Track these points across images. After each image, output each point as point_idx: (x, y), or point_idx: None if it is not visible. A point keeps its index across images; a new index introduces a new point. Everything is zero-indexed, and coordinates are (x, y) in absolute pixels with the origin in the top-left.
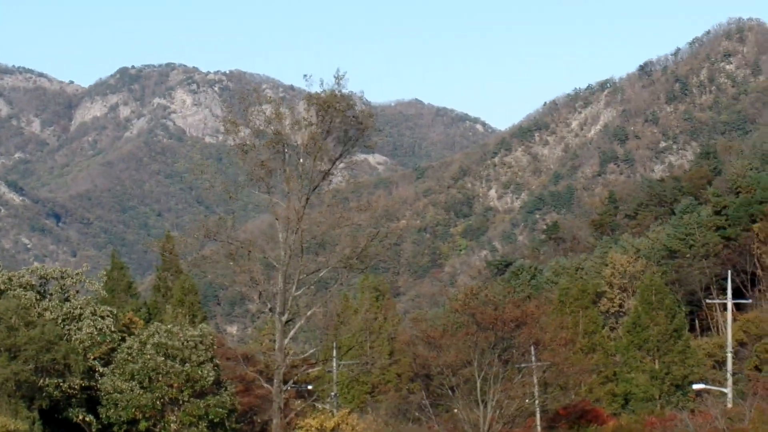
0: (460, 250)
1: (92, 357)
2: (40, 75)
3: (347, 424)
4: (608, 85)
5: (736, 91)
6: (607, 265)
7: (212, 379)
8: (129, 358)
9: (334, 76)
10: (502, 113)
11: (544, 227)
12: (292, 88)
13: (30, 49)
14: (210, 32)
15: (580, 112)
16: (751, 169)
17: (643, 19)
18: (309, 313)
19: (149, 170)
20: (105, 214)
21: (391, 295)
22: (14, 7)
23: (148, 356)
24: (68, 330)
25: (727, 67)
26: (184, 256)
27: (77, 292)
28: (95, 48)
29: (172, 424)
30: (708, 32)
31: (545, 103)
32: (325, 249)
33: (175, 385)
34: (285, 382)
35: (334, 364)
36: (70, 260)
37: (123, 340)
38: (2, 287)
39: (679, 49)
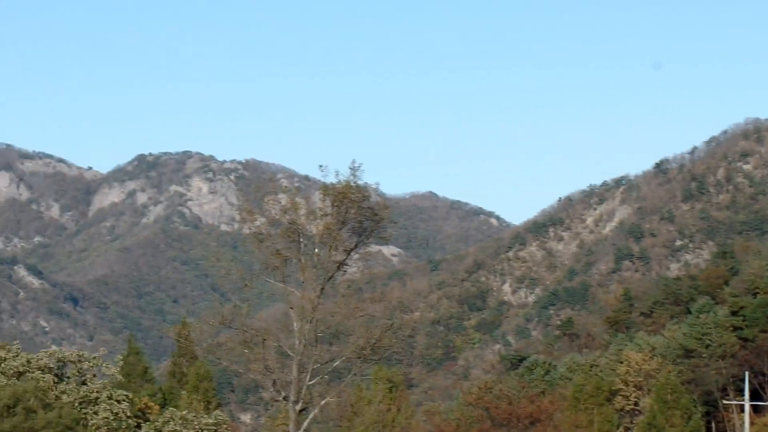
0: (474, 344)
1: None
2: (60, 161)
3: None
4: (623, 182)
5: (753, 191)
6: (622, 362)
7: None
8: None
9: (350, 167)
10: (517, 208)
11: (558, 323)
12: (307, 178)
13: (50, 135)
14: (227, 121)
15: (595, 209)
16: None
17: (659, 117)
18: (323, 402)
19: (166, 257)
20: (122, 299)
21: (404, 387)
22: (35, 93)
23: None
24: (85, 414)
25: (745, 166)
26: (199, 342)
27: (94, 375)
28: (114, 135)
29: None
30: (725, 132)
31: (560, 198)
32: (339, 339)
33: None
34: None
35: None
36: (86, 344)
37: (138, 426)
38: (21, 369)
39: (695, 148)
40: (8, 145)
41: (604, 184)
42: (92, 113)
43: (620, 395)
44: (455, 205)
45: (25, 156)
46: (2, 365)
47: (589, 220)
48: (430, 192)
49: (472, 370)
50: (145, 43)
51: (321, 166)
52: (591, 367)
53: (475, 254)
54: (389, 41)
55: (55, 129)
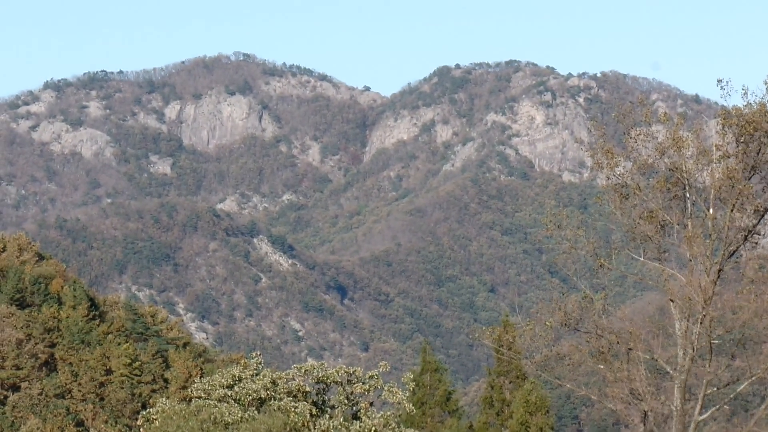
0: None
1: None
2: (322, 78)
3: None
4: None
5: None
6: None
7: None
8: None
9: (766, 82)
10: None
11: None
12: (696, 99)
13: (307, 44)
14: (570, 18)
15: None
16: None
17: None
18: None
19: (478, 222)
20: (411, 287)
21: None
22: None
23: None
24: None
25: None
26: (529, 353)
27: (371, 404)
28: (401, 41)
29: None
30: None
31: None
32: (746, 349)
33: None
34: None
35: None
36: (359, 355)
37: None
38: (262, 395)
39: None
40: (247, 56)
41: None
42: (367, 13)
43: None
44: None
45: (272, 72)
46: (236, 388)
47: None
48: None
49: None
50: None
51: (720, 80)
52: None
53: None
54: None
55: (315, 35)
